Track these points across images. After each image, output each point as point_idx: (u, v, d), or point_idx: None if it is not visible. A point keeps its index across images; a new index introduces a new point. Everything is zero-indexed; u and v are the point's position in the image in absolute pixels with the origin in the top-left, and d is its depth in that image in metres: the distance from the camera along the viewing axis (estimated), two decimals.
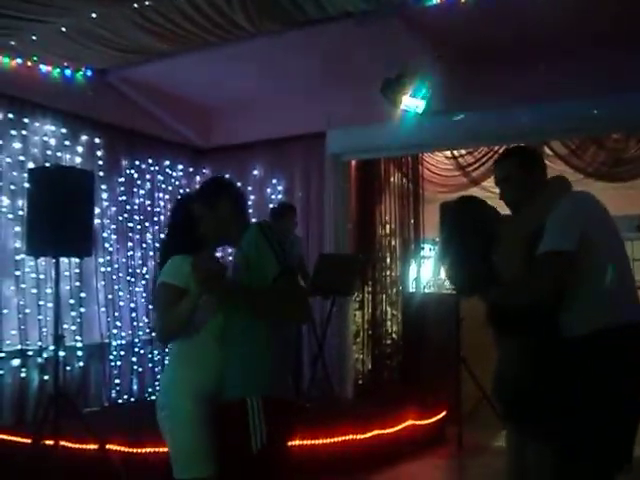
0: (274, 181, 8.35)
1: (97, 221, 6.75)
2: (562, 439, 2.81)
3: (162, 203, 8.11)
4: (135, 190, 7.77)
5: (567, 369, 2.83)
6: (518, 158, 3.21)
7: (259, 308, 2.80)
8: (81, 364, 6.86)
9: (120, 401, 7.31)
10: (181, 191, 8.31)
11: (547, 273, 2.81)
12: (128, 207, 7.64)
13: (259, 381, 2.79)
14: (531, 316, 2.91)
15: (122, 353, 7.37)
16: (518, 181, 3.13)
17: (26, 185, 5.66)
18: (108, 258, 7.34)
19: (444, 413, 6.62)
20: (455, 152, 8.39)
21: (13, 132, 6.50)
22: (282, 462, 2.87)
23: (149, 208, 7.93)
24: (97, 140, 7.27)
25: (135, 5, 5.34)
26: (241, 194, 3.18)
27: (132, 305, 7.59)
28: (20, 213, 6.31)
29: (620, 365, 2.75)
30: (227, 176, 8.15)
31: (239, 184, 8.33)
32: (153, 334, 7.55)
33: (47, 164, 6.44)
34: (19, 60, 6.47)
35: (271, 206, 7.49)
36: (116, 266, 7.42)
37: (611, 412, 2.71)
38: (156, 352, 7.75)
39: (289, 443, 2.99)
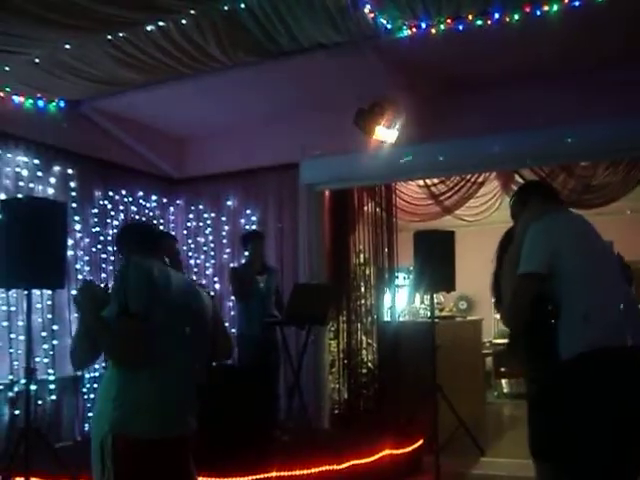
0: (248, 211, 8.35)
1: (70, 252, 6.68)
2: (566, 464, 2.87)
3: None
4: (108, 221, 7.72)
5: (558, 393, 2.91)
6: (520, 190, 3.54)
7: (99, 341, 2.89)
8: (53, 397, 6.75)
9: None
10: (155, 222, 8.28)
11: (518, 293, 3.06)
12: (101, 238, 7.59)
13: (110, 419, 2.81)
14: None
15: (95, 386, 7.24)
16: (517, 210, 3.36)
17: None
18: None
19: (421, 442, 6.59)
20: (428, 181, 8.46)
21: None
22: None
23: None
24: (70, 171, 7.22)
25: (109, 37, 5.36)
26: (132, 232, 3.36)
27: None
28: None
29: (605, 389, 2.79)
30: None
31: (212, 215, 8.46)
32: None
33: (19, 195, 6.39)
34: None
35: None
36: None
37: (613, 433, 2.76)
38: None
39: None
